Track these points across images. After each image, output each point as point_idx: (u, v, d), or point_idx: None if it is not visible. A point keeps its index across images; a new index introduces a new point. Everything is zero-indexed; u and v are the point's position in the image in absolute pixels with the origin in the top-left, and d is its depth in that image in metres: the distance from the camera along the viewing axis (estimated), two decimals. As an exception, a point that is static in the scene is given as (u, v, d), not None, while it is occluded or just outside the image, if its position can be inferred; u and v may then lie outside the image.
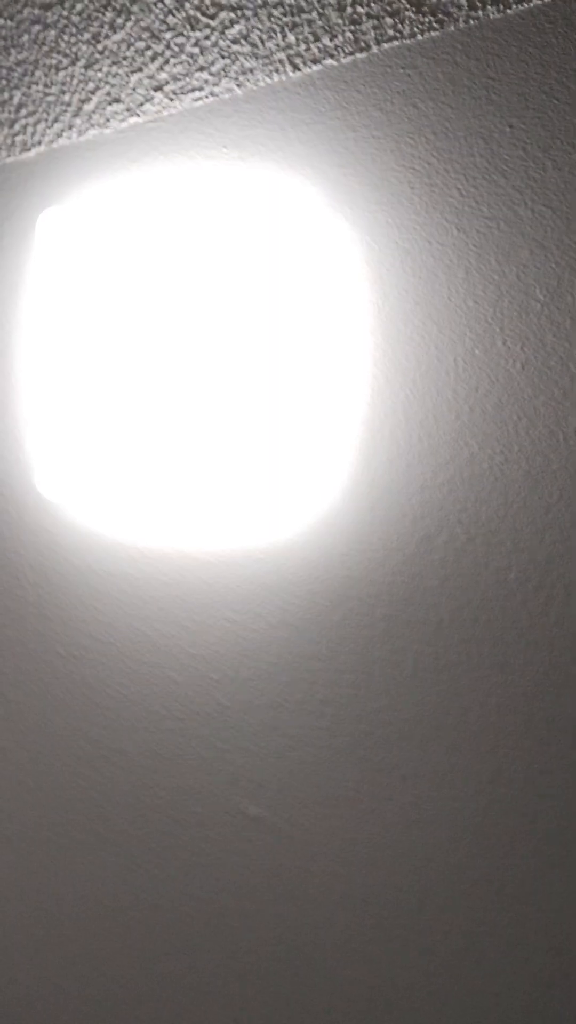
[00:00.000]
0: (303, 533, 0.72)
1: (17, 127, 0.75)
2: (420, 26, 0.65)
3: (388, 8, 0.66)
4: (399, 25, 0.66)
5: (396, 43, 0.66)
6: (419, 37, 0.65)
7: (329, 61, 0.68)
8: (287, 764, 0.75)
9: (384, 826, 0.73)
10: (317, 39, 0.67)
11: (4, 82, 0.75)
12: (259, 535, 0.73)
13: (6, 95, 0.75)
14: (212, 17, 0.69)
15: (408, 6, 0.65)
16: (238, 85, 0.69)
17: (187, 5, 0.69)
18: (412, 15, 0.65)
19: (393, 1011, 0.74)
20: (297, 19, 0.67)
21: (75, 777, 0.80)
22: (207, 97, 0.70)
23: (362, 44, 0.67)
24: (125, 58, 0.71)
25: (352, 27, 0.67)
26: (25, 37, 0.73)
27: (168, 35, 0.70)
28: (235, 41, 0.69)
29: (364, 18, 0.66)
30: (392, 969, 0.74)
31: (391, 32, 0.66)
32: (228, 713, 0.76)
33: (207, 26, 0.69)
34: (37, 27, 0.73)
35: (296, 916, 0.76)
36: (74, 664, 0.78)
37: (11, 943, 0.84)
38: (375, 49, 0.67)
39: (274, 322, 0.65)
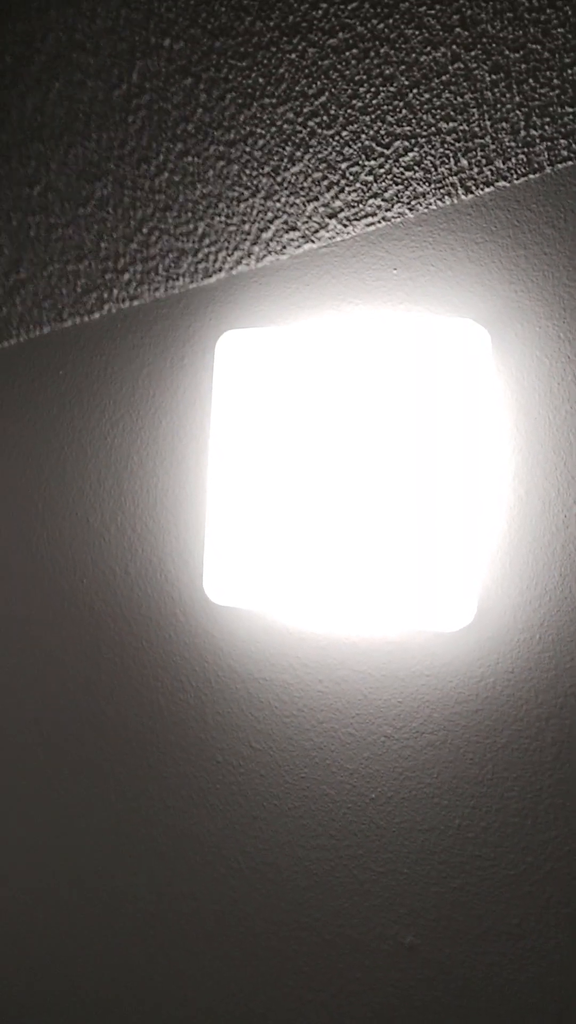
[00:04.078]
0: (467, 649, 0.70)
1: (200, 255, 0.80)
2: (594, 147, 0.66)
3: (562, 130, 0.67)
4: (573, 145, 0.66)
5: (570, 163, 0.67)
6: (593, 157, 0.66)
7: (501, 183, 0.69)
8: (445, 892, 0.71)
9: (548, 967, 0.68)
10: (490, 162, 0.69)
11: (190, 214, 0.80)
12: (421, 650, 0.72)
13: (191, 226, 0.80)
14: (387, 146, 0.72)
15: (582, 128, 0.65)
16: (410, 209, 0.72)
17: (363, 136, 0.72)
18: (586, 137, 0.66)
19: None
20: (470, 144, 0.69)
21: (227, 889, 0.78)
22: (379, 222, 0.73)
23: (535, 165, 0.68)
24: (302, 188, 0.75)
25: (525, 149, 0.68)
26: (210, 172, 0.79)
27: (344, 165, 0.73)
28: (408, 168, 0.71)
29: (538, 140, 0.67)
30: None
31: (565, 153, 0.67)
32: (384, 834, 0.73)
33: (381, 155, 0.72)
34: (222, 163, 0.78)
35: (454, 1064, 0.71)
36: (230, 772, 0.78)
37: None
38: (548, 170, 0.67)
39: (448, 438, 0.65)
